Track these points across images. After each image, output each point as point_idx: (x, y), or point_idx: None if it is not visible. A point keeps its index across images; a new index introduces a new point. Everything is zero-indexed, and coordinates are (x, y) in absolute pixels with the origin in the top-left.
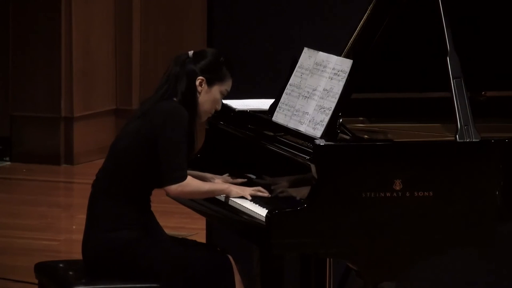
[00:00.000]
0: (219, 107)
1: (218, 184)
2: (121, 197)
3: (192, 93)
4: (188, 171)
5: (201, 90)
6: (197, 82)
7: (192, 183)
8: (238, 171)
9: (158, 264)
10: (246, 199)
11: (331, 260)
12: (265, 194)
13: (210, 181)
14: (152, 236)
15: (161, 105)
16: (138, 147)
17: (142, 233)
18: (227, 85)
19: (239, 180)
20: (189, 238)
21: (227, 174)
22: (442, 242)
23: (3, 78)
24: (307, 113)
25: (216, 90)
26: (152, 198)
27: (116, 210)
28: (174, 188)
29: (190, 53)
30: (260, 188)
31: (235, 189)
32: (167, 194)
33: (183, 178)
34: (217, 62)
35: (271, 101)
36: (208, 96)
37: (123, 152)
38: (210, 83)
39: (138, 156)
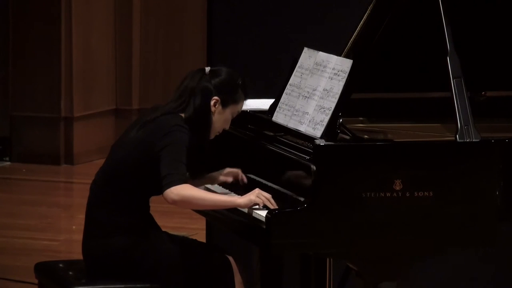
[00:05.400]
0: (227, 127)
1: (223, 195)
2: (119, 204)
3: (206, 111)
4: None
5: (215, 111)
6: (212, 102)
7: (190, 188)
8: None
9: (158, 265)
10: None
11: (331, 260)
12: (273, 205)
13: (215, 179)
14: (151, 239)
15: (165, 119)
16: (137, 158)
17: (141, 237)
18: (239, 107)
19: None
20: (189, 238)
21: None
22: (442, 242)
23: (3, 78)
24: (307, 113)
25: (229, 111)
26: (152, 198)
27: (113, 216)
28: (169, 192)
29: (207, 69)
30: (269, 197)
31: (242, 201)
32: (166, 201)
33: (179, 182)
34: (234, 83)
35: (271, 101)
36: (221, 116)
37: (122, 162)
38: (224, 104)
39: (136, 166)
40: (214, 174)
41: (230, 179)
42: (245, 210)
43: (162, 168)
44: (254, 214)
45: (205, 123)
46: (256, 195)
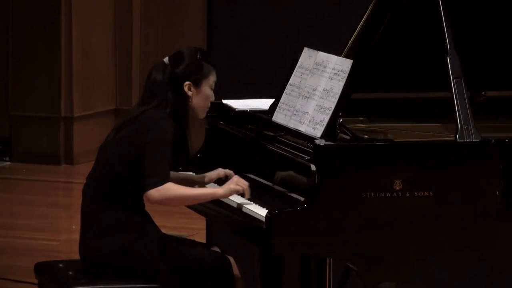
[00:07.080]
0: (213, 99)
1: (204, 189)
2: (112, 203)
3: (182, 100)
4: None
5: (191, 94)
6: (185, 88)
7: (173, 187)
8: (238, 171)
9: (157, 265)
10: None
11: (331, 260)
12: (248, 195)
13: (197, 181)
14: (148, 238)
15: (148, 114)
16: (125, 154)
17: (137, 236)
18: (213, 77)
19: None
20: (189, 238)
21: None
22: (442, 242)
23: (3, 78)
24: (307, 113)
25: (205, 87)
26: None
27: (108, 216)
28: (152, 193)
29: (166, 59)
30: (247, 184)
31: (222, 191)
32: (149, 201)
33: (162, 182)
34: (196, 61)
35: (271, 101)
36: (200, 96)
37: (111, 160)
38: (197, 84)
39: (124, 163)
40: (199, 177)
41: (214, 178)
42: (243, 209)
43: (146, 166)
44: (253, 214)
45: (183, 112)
46: (235, 183)
